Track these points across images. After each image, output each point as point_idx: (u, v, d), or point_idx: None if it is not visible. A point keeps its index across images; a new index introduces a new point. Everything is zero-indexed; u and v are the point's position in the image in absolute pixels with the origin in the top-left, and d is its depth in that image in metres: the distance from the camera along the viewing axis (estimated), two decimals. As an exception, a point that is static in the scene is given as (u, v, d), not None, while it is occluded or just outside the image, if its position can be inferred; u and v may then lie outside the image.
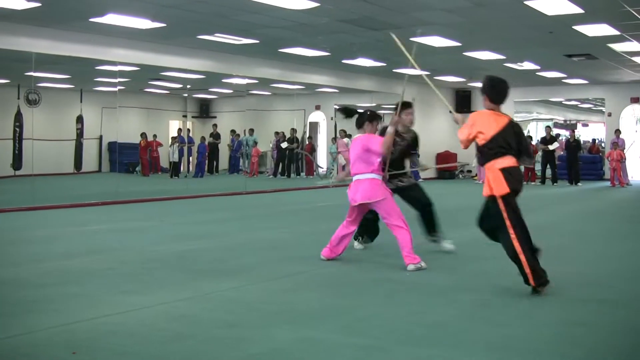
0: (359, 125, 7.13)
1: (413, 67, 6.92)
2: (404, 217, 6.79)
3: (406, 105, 7.59)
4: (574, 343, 4.26)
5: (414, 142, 7.77)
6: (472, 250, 8.01)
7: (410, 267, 6.61)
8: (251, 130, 24.01)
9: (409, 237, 6.69)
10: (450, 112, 6.87)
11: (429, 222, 7.76)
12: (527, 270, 5.41)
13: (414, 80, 22.35)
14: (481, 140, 5.69)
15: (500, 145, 5.59)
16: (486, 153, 5.66)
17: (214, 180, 22.16)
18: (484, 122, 5.74)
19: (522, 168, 6.02)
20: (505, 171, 5.53)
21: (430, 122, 24.60)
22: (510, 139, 5.64)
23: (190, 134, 24.30)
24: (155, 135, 23.53)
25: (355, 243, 7.88)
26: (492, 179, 5.57)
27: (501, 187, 5.50)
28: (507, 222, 5.48)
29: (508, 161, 5.58)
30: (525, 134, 6.87)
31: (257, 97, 24.82)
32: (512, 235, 5.46)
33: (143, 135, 22.74)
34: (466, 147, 5.99)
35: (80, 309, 5.03)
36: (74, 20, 12.27)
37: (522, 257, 5.41)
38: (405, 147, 7.65)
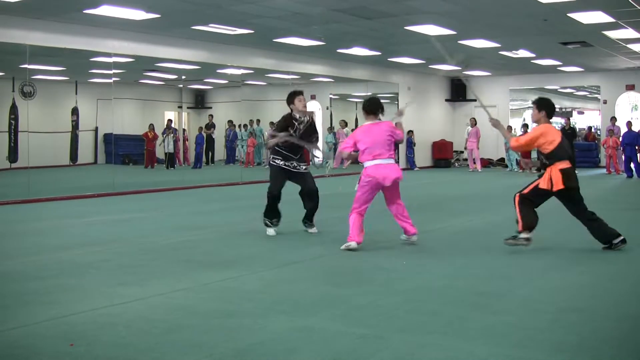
0: (375, 112, 7.41)
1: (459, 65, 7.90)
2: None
3: (297, 93, 8.29)
4: (569, 329, 4.29)
5: (311, 126, 8.34)
6: (466, 238, 8.04)
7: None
8: (257, 121, 24.33)
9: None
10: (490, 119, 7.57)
11: (312, 210, 8.39)
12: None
13: (410, 69, 22.47)
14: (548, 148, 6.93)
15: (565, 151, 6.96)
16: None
17: (211, 171, 22.14)
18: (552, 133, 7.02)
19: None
20: (562, 171, 6.84)
21: (426, 111, 24.61)
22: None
23: (184, 125, 24.22)
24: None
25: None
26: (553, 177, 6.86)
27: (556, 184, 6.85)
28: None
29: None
30: (521, 122, 7.31)
31: (252, 87, 24.74)
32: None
33: (151, 126, 22.57)
34: (520, 149, 7.41)
35: (77, 301, 5.04)
36: (68, 12, 12.22)
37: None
38: (303, 132, 8.25)
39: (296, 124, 8.17)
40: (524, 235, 6.89)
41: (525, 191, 7.01)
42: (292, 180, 8.34)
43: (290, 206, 8.58)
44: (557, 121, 28.37)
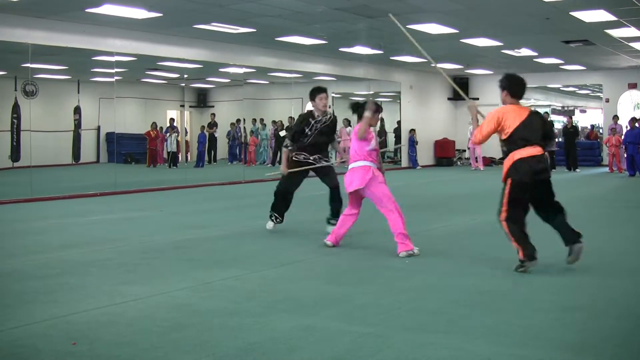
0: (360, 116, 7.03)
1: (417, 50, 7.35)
2: (395, 201, 6.83)
3: (319, 91, 8.13)
4: (571, 328, 4.29)
5: (329, 127, 8.23)
6: (468, 237, 8.03)
7: (402, 254, 6.63)
8: (261, 120, 24.44)
9: (401, 220, 6.72)
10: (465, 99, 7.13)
11: (337, 209, 8.10)
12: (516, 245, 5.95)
13: (412, 67, 22.44)
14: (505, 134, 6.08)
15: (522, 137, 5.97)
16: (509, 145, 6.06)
17: (213, 169, 22.15)
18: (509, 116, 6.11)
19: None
20: (519, 161, 5.95)
21: (428, 109, 24.59)
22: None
23: (186, 124, 24.24)
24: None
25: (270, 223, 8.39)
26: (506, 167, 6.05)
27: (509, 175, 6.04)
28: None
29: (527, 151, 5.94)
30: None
31: (254, 86, 24.76)
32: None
33: (153, 125, 22.56)
34: (481, 142, 6.39)
35: (79, 300, 5.04)
36: (70, 11, 12.23)
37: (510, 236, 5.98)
38: (324, 130, 8.17)
39: (312, 122, 8.10)
40: (527, 264, 5.92)
41: (504, 209, 6.03)
42: (317, 174, 8.24)
43: (292, 204, 8.55)
44: (560, 119, 28.41)
